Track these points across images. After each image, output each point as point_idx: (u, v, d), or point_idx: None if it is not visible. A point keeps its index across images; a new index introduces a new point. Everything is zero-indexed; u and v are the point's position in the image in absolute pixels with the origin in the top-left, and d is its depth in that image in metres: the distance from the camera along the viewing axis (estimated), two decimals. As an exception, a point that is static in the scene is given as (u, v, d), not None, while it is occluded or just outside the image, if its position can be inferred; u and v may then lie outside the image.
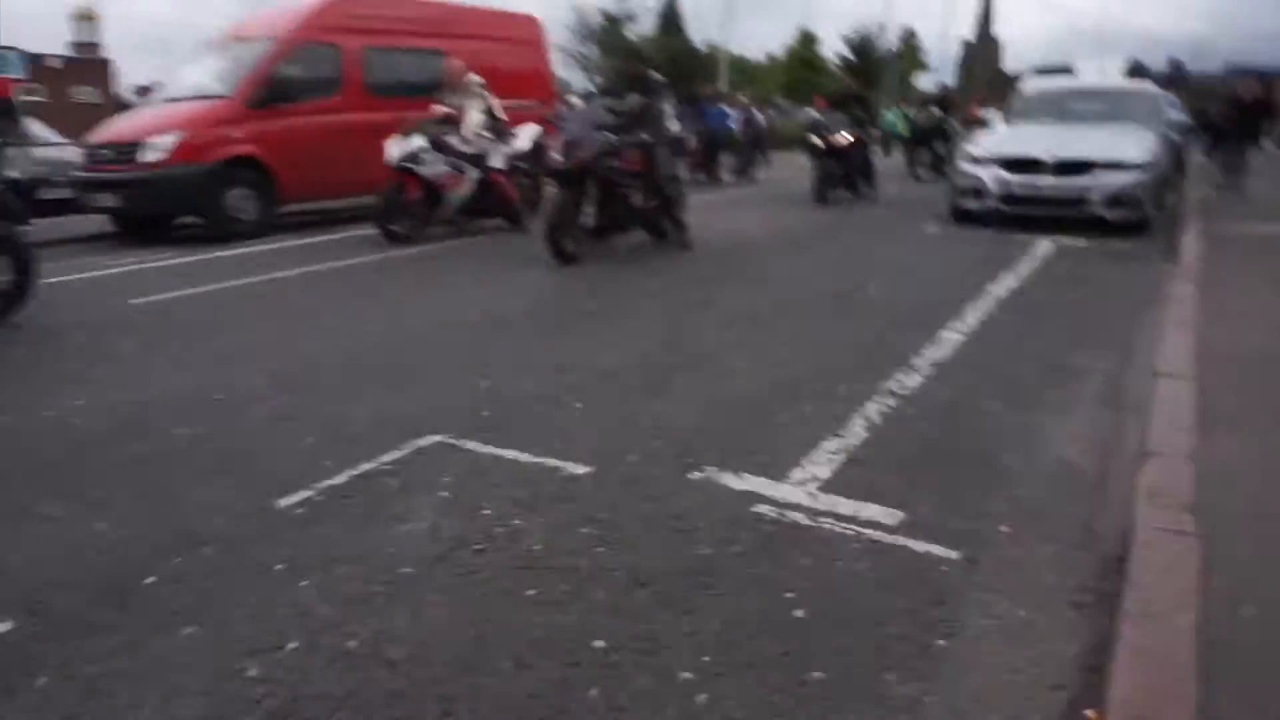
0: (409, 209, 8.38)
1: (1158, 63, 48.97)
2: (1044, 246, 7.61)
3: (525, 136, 9.10)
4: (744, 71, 56.12)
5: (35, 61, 26.74)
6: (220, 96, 9.50)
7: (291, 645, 2.07)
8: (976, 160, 9.08)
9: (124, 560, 2.47)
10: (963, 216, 9.26)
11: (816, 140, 11.57)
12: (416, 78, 11.14)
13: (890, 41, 51.45)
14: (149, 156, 8.95)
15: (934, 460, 2.97)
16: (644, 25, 47.57)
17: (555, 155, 6.94)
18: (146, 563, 2.45)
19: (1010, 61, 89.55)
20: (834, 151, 11.40)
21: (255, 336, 4.99)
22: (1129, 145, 8.58)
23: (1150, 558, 2.09)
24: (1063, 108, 10.46)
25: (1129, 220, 8.31)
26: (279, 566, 2.42)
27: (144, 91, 13.93)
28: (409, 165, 8.22)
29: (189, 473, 3.05)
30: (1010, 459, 2.97)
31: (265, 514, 2.71)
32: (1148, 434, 2.97)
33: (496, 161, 8.75)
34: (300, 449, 3.22)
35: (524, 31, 12.91)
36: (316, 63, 10.19)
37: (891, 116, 23.13)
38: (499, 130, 8.93)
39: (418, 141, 8.29)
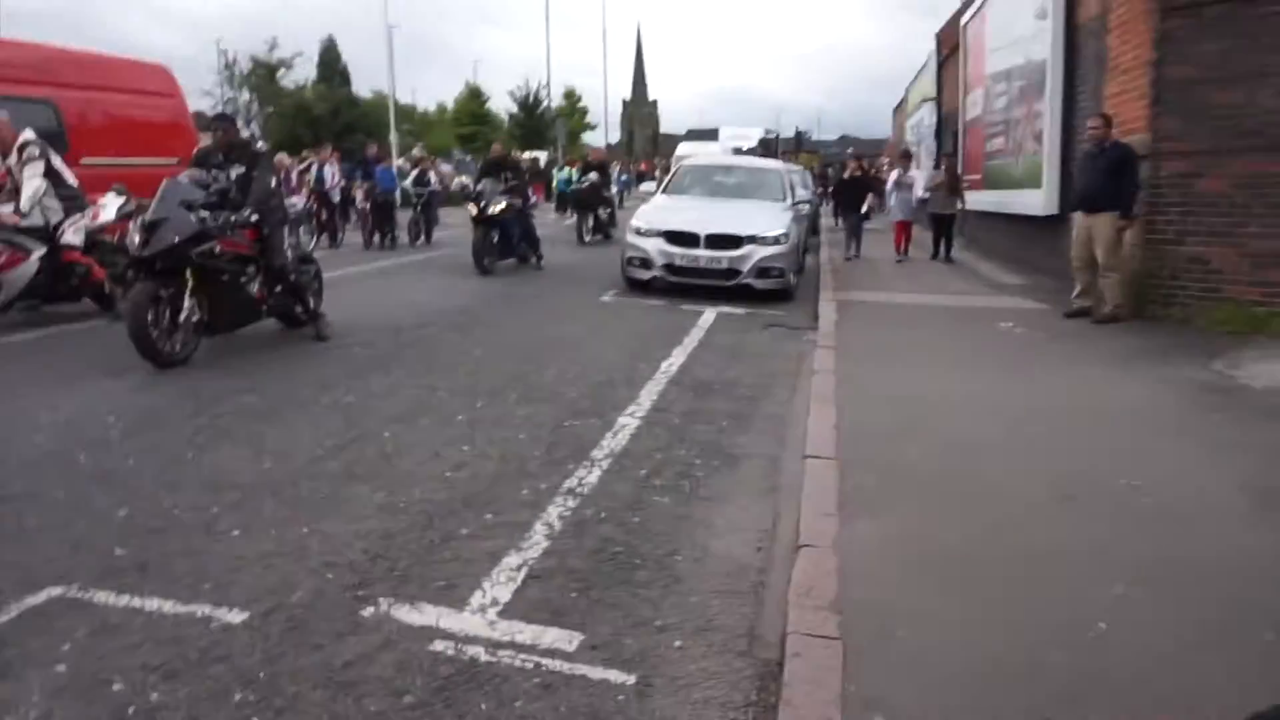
0: None
1: (787, 128, 56.27)
2: (708, 316, 8.30)
3: (110, 207, 7.49)
4: (414, 121, 55.67)
5: None
6: None
7: None
8: (641, 233, 9.75)
9: None
10: (634, 285, 9.89)
11: (472, 209, 11.43)
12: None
13: (554, 99, 53.95)
14: None
15: (613, 569, 3.04)
16: (302, 73, 45.73)
17: (134, 239, 5.79)
18: None
19: (666, 123, 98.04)
20: (491, 220, 11.27)
21: None
22: (768, 220, 9.71)
23: (799, 666, 2.29)
24: (711, 182, 11.69)
25: (774, 288, 9.37)
26: None
27: None
28: None
29: None
30: (682, 560, 3.12)
31: None
32: (800, 523, 3.29)
33: (71, 237, 7.26)
34: None
35: (156, 83, 11.71)
36: None
37: (564, 176, 24.23)
38: (72, 198, 7.39)
39: None
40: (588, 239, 16.22)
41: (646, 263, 9.59)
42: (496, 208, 11.21)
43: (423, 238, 15.54)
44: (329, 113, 42.70)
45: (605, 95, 73.50)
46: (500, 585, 2.88)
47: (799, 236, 10.68)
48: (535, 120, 51.00)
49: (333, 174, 15.23)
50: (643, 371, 5.98)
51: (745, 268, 9.24)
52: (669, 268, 9.45)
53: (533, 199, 14.11)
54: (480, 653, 2.48)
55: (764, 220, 9.68)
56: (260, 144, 6.93)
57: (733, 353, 6.73)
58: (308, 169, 15.29)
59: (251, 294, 6.41)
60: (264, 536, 3.23)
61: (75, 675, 2.35)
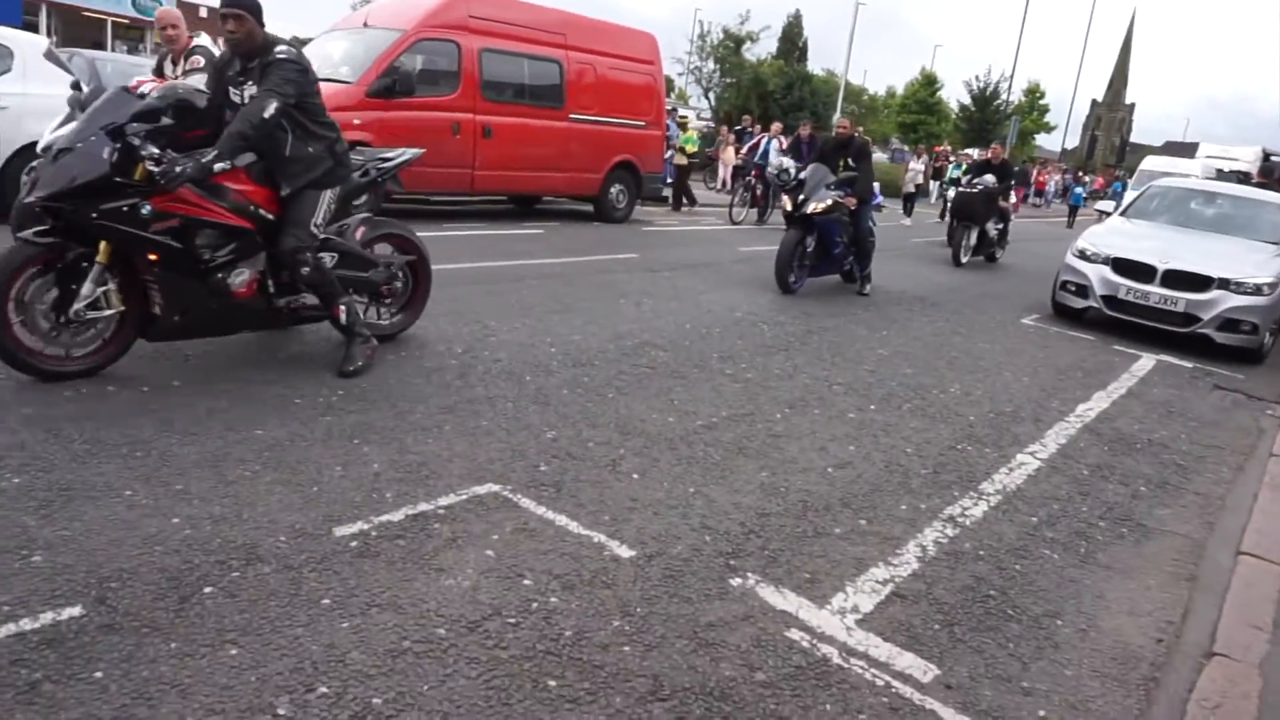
0: None
1: None
2: (1144, 362, 7.33)
3: None
4: (860, 104, 55.43)
5: (185, 10, 28.22)
6: (344, 82, 9.87)
7: (322, 690, 2.16)
8: (1084, 256, 8.76)
9: (188, 564, 2.61)
10: (1063, 312, 8.99)
11: (786, 202, 8.63)
12: (532, 83, 11.46)
13: (1014, 94, 49.82)
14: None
15: (982, 611, 2.90)
16: (764, 47, 47.62)
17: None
18: (208, 572, 2.59)
19: (1138, 131, 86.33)
20: (807, 220, 8.41)
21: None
22: (1252, 264, 8.15)
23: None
24: (1185, 209, 10.01)
25: (1241, 346, 7.93)
26: (326, 601, 2.52)
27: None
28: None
29: (262, 480, 3.19)
30: (1064, 626, 2.87)
31: (323, 541, 2.83)
32: (1217, 627, 2.85)
33: None
34: (366, 475, 3.33)
35: (641, 49, 13.07)
36: (436, 59, 10.48)
37: (950, 176, 21.95)
38: None
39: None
40: (965, 259, 12.53)
41: (1083, 291, 8.63)
42: (819, 204, 8.31)
43: None
44: (782, 88, 44.19)
45: (1074, 92, 66.86)
46: (863, 594, 2.90)
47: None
48: (988, 114, 47.89)
49: (777, 149, 15.81)
50: (1055, 410, 5.48)
51: (1207, 315, 7.88)
52: (1109, 300, 8.39)
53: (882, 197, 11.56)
54: (833, 654, 2.53)
55: (1246, 263, 8.15)
56: (283, 49, 4.19)
57: (1168, 410, 5.89)
58: (739, 139, 16.09)
59: (229, 288, 4.16)
60: (657, 486, 3.58)
61: (499, 561, 2.83)
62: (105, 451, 3.28)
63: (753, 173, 15.41)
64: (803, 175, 8.52)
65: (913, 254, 13.31)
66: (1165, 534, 3.78)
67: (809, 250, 8.50)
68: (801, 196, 8.41)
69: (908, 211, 19.99)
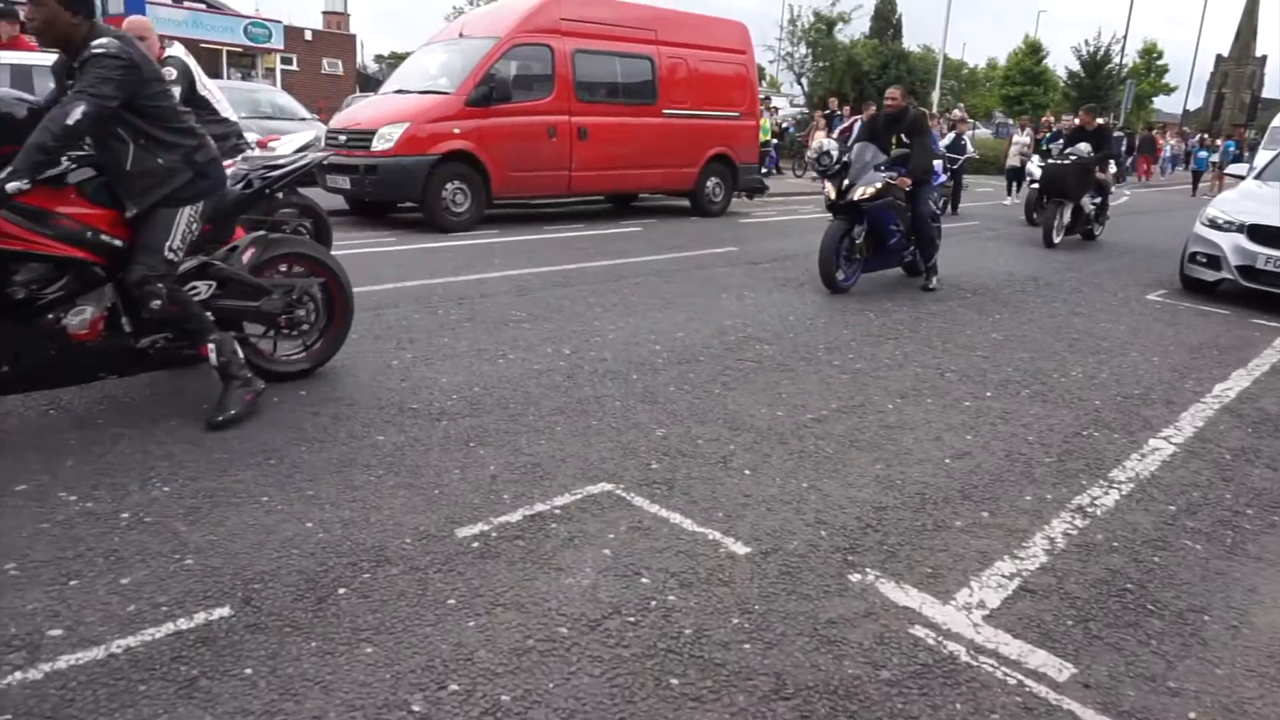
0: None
1: None
2: (1288, 337, 6.84)
3: (289, 145, 6.00)
4: (960, 78, 53.53)
5: (290, 34, 29.64)
6: (443, 93, 10.16)
7: (453, 688, 2.23)
8: (1215, 224, 8.21)
9: (323, 566, 2.74)
10: (1193, 286, 8.47)
11: (828, 189, 7.51)
12: (625, 81, 11.53)
13: (1128, 56, 47.06)
14: (379, 145, 9.73)
15: (1119, 606, 2.76)
16: (857, 27, 46.45)
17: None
18: (341, 574, 2.71)
19: (1272, 86, 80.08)
20: (854, 208, 7.33)
21: (455, 344, 5.33)
22: None
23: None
24: (1334, 167, 9.30)
25: (1401, 316, 7.31)
26: (451, 601, 2.60)
27: (380, 60, 15.09)
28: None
29: (386, 484, 3.33)
30: (1212, 622, 2.71)
31: (446, 542, 2.92)
32: (1382, 620, 2.64)
33: None
34: (483, 477, 3.43)
35: (733, 39, 12.95)
36: (530, 64, 10.67)
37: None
38: (224, 136, 5.39)
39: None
40: (1058, 239, 11.37)
41: (1215, 262, 8.10)
42: (867, 189, 7.17)
43: (949, 208, 15.02)
44: (878, 68, 43.06)
45: (1196, 49, 62.77)
46: (989, 589, 2.80)
47: None
48: (1099, 80, 45.38)
49: None
50: (1190, 391, 5.17)
51: (1363, 283, 7.32)
52: (1246, 271, 7.85)
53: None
54: (961, 651, 2.45)
55: None
56: (102, 42, 3.38)
57: (1319, 387, 5.47)
58: (829, 123, 15.64)
59: (65, 330, 3.56)
60: (770, 481, 3.55)
61: (616, 560, 2.87)
62: (241, 460, 3.48)
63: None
64: (847, 157, 7.44)
65: (1010, 237, 12.74)
66: (1322, 521, 3.52)
67: (858, 242, 7.48)
68: (846, 181, 7.32)
69: (1011, 191, 18.30)
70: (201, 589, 2.59)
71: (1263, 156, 12.02)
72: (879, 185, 7.21)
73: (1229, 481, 3.85)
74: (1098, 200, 12.06)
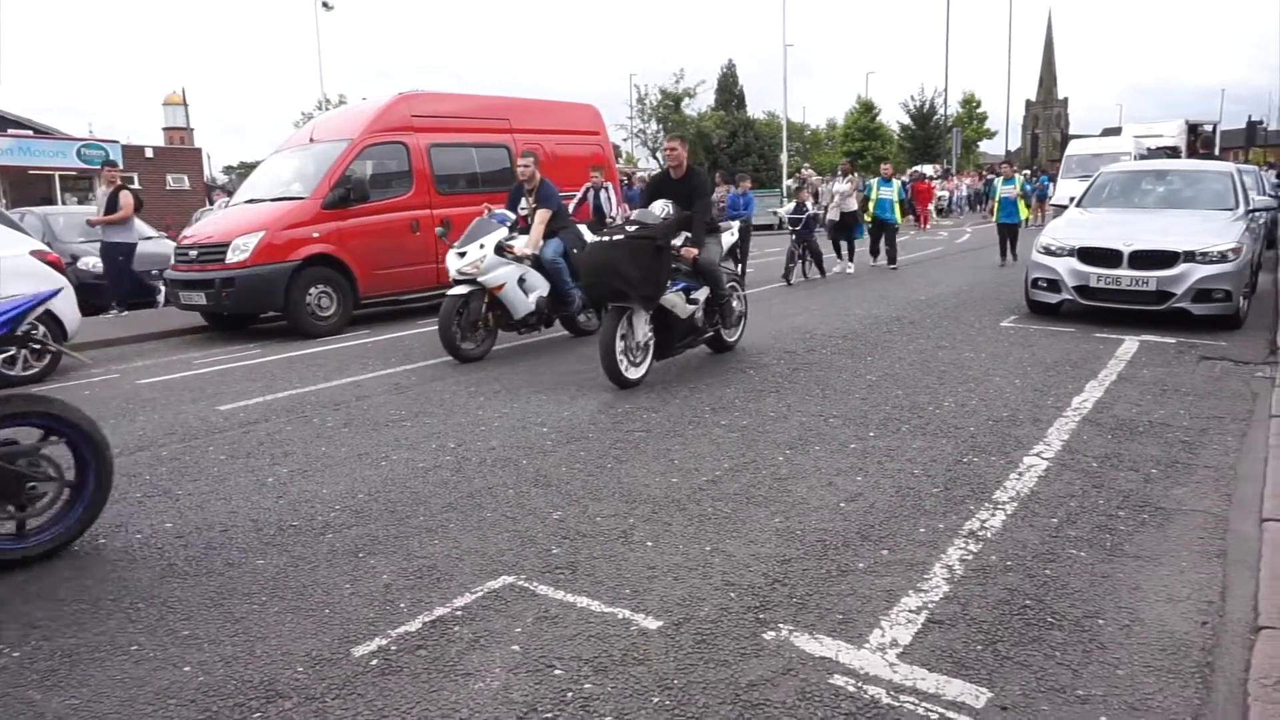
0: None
1: (1231, 117, 46.91)
2: (1128, 345, 7.37)
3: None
4: (804, 140, 56.70)
5: (130, 152, 28.61)
6: (298, 198, 9.99)
7: (362, 825, 2.05)
8: (1049, 251, 8.89)
9: (206, 714, 2.50)
10: (1039, 309, 9.09)
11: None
12: (483, 170, 11.64)
13: (951, 107, 51.01)
14: (234, 257, 9.43)
15: (1021, 624, 2.83)
16: (702, 101, 48.73)
17: None
18: (228, 717, 2.48)
19: (1076, 124, 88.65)
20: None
21: (333, 451, 5.11)
22: (1212, 233, 8.30)
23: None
24: (1136, 190, 10.25)
25: (1217, 314, 8.01)
26: (352, 729, 2.42)
27: (229, 171, 14.70)
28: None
29: (270, 611, 3.10)
30: (1106, 625, 2.80)
31: (343, 664, 2.73)
32: (1258, 599, 2.80)
33: None
34: (376, 588, 3.25)
35: (585, 121, 13.32)
36: (387, 161, 10.65)
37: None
38: None
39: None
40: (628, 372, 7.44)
41: (1055, 285, 8.74)
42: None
43: (813, 268, 14.08)
44: (726, 137, 45.06)
45: (1008, 97, 68.83)
46: (900, 626, 2.82)
47: (1251, 252, 8.95)
48: (929, 130, 49.02)
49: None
50: (1052, 407, 5.47)
51: (1179, 290, 7.98)
52: (1082, 290, 8.50)
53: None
54: (882, 695, 2.44)
55: (1207, 233, 8.30)
56: None
57: (1161, 389, 5.89)
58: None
59: None
60: (673, 550, 3.50)
61: (526, 654, 2.74)
62: (103, 609, 3.18)
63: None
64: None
65: (871, 280, 13.39)
66: (1186, 513, 3.74)
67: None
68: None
69: (841, 253, 14.94)
70: (65, 762, 2.32)
71: (1063, 185, 13.07)
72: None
73: (1100, 488, 4.05)
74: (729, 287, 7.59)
